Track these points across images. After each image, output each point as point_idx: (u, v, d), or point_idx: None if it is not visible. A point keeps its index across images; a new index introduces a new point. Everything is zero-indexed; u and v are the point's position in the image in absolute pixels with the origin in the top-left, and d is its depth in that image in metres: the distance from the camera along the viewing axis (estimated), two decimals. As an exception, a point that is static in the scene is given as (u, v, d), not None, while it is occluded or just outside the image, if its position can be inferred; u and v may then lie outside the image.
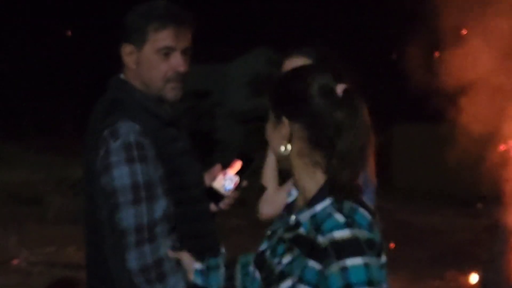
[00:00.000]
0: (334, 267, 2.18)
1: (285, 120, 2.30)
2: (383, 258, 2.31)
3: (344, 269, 2.16)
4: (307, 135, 2.27)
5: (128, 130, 2.78)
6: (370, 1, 20.43)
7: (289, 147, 2.31)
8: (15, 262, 9.58)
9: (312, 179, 2.32)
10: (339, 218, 2.21)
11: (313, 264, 2.23)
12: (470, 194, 15.54)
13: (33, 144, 20.15)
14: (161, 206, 2.76)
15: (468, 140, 11.15)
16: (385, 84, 23.27)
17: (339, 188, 2.25)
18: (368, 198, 2.77)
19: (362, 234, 2.21)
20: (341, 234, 2.19)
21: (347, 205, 2.25)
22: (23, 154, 18.35)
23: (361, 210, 2.27)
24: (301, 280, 2.24)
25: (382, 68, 23.45)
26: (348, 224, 2.20)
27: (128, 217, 2.72)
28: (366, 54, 22.65)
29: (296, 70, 2.42)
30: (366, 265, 2.19)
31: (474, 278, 8.88)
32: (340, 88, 2.26)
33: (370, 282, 2.18)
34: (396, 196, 16.81)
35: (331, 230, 2.20)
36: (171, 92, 2.98)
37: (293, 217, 2.34)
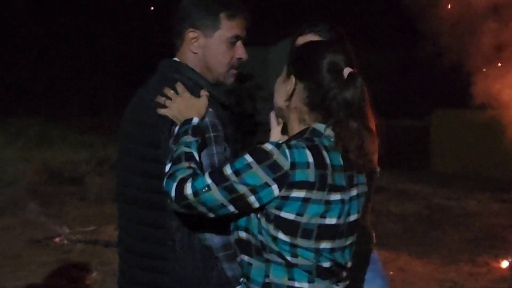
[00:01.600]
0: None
1: (292, 78, 2.62)
2: (288, 193, 2.47)
3: (241, 158, 2.52)
4: (306, 97, 2.60)
5: None
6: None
7: (287, 103, 2.65)
8: (56, 240, 9.74)
9: (296, 131, 2.63)
10: (280, 141, 2.56)
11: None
12: (506, 179, 15.56)
13: (76, 125, 20.41)
14: None
15: (505, 126, 11.20)
16: (425, 70, 23.16)
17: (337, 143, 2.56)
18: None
19: (279, 158, 2.46)
20: (266, 145, 2.51)
21: (300, 142, 2.53)
22: (66, 134, 18.57)
23: (306, 151, 2.50)
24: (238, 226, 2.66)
25: (423, 53, 23.34)
26: (277, 145, 2.49)
27: None
28: (408, 39, 22.57)
29: (317, 43, 2.83)
30: (248, 166, 2.47)
31: (505, 263, 8.93)
32: (346, 71, 2.59)
33: (237, 172, 2.47)
34: (433, 180, 16.80)
35: (267, 143, 2.56)
36: (230, 78, 3.13)
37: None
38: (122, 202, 3.05)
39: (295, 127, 2.62)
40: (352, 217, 2.60)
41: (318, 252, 2.52)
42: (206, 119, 2.86)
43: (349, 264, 2.65)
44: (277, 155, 2.45)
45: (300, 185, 2.46)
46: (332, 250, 2.55)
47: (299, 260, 2.51)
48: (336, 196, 2.52)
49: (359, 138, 2.53)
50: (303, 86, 2.59)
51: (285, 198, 2.45)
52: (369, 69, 19.04)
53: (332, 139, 2.55)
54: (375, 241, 3.43)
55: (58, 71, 24.62)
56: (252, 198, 2.47)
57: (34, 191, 12.68)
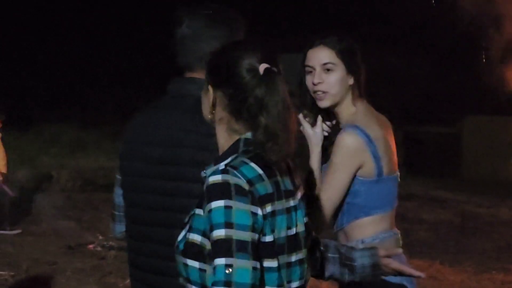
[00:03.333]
0: (205, 210, 2.26)
1: (210, 88, 2.45)
2: (266, 209, 2.27)
3: (210, 211, 2.22)
4: (227, 105, 2.40)
5: None
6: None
7: (211, 115, 2.47)
8: (90, 247, 9.86)
9: (228, 143, 2.42)
10: (221, 166, 2.31)
11: (199, 211, 2.35)
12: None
13: (109, 131, 20.55)
14: None
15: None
16: (458, 75, 23.07)
17: (265, 158, 2.33)
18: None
19: (234, 180, 2.24)
20: (214, 178, 2.25)
21: (239, 158, 2.32)
22: (100, 141, 18.71)
23: (252, 165, 2.29)
24: (190, 228, 2.35)
25: (455, 60, 23.24)
26: (223, 171, 2.26)
27: None
28: (441, 46, 22.50)
29: (228, 45, 2.53)
30: (227, 208, 2.20)
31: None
32: (262, 67, 2.35)
33: (227, 223, 2.18)
34: (465, 187, 16.74)
35: (210, 176, 2.29)
36: None
37: (203, 173, 2.43)
38: (153, 226, 2.92)
39: (227, 139, 2.43)
40: (305, 220, 2.45)
41: (289, 266, 2.34)
42: None
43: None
44: (231, 179, 2.23)
45: (266, 199, 2.27)
46: (300, 262, 2.39)
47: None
48: (291, 202, 2.38)
49: (276, 139, 2.31)
50: (222, 94, 2.40)
51: (264, 218, 2.26)
52: (401, 76, 19.11)
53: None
54: (401, 243, 3.42)
55: (92, 78, 24.82)
56: (257, 237, 2.24)
57: (68, 197, 12.82)
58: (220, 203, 2.20)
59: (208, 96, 2.45)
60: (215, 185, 2.23)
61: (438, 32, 22.08)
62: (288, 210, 2.33)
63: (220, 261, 2.17)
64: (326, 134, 3.40)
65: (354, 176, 3.24)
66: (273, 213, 2.27)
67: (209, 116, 2.46)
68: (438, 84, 21.97)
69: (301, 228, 2.38)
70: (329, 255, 2.71)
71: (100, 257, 9.36)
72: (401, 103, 21.45)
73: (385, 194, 3.31)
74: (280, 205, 2.30)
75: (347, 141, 3.21)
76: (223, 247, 2.18)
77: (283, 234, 2.30)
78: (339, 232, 3.38)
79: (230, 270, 2.15)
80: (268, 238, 2.26)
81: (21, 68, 24.64)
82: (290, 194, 2.37)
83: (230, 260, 2.16)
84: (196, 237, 2.30)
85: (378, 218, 3.30)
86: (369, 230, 3.29)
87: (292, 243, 2.34)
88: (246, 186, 2.23)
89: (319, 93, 3.33)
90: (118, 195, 3.10)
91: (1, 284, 8.16)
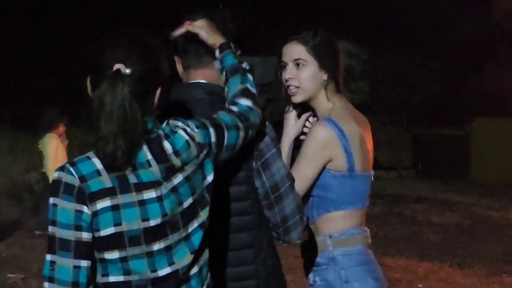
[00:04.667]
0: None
1: (88, 87, 2.42)
2: (98, 204, 2.27)
3: (49, 207, 2.28)
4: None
5: (270, 128, 2.94)
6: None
7: None
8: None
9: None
10: (63, 165, 2.33)
11: None
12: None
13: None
14: None
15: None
16: (466, 79, 23.05)
17: (102, 160, 2.31)
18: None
19: (66, 178, 2.25)
20: (54, 175, 2.29)
21: (85, 155, 2.33)
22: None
23: (94, 160, 2.28)
24: None
25: (463, 64, 23.23)
26: (61, 168, 2.28)
27: (290, 202, 2.91)
28: (447, 49, 22.49)
29: (98, 44, 2.45)
30: (54, 206, 2.26)
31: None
32: (116, 66, 2.31)
33: (53, 221, 2.26)
34: (474, 190, 16.73)
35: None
36: None
37: None
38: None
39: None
40: (186, 204, 2.40)
41: (151, 255, 2.34)
42: (273, 134, 2.93)
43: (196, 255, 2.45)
44: (64, 177, 2.25)
45: (100, 194, 2.27)
46: (167, 249, 2.36)
47: (133, 277, 2.34)
48: (150, 194, 2.33)
49: (107, 141, 2.26)
50: (92, 90, 2.37)
51: (95, 214, 2.26)
52: (410, 79, 19.17)
53: None
54: (370, 241, 3.41)
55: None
56: (85, 235, 2.27)
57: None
58: (51, 200, 2.27)
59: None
60: (52, 181, 2.28)
61: (447, 35, 22.07)
62: (142, 203, 2.30)
63: (47, 257, 2.27)
64: (306, 130, 3.41)
65: (323, 168, 3.22)
66: (114, 207, 2.26)
67: None
68: (447, 86, 21.97)
69: (170, 216, 2.34)
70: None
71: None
72: (410, 105, 21.46)
73: (357, 191, 3.28)
74: (126, 198, 2.28)
75: (318, 132, 3.19)
76: (49, 244, 2.27)
77: (135, 226, 2.29)
78: (309, 225, 3.38)
79: (53, 267, 2.25)
80: (104, 232, 2.26)
81: (30, 72, 24.75)
82: (146, 186, 2.32)
83: (53, 257, 2.25)
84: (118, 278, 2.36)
85: (348, 214, 3.28)
86: (338, 225, 3.27)
87: (153, 233, 2.32)
88: (76, 183, 2.25)
89: (291, 88, 3.35)
90: None
91: (12, 287, 8.20)
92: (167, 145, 2.39)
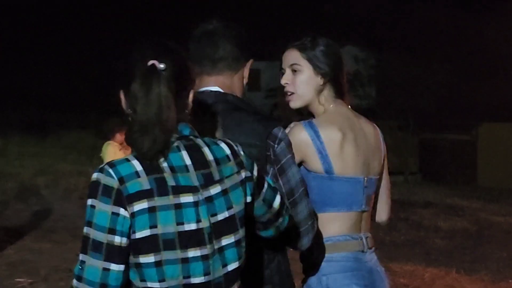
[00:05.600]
0: None
1: (120, 93, 2.46)
2: (136, 206, 2.29)
3: (86, 207, 2.31)
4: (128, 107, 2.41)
5: (285, 134, 2.95)
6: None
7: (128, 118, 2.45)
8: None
9: None
10: (101, 166, 2.36)
11: None
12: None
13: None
14: None
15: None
16: (473, 83, 23.02)
17: (138, 152, 2.34)
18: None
19: (105, 179, 2.29)
20: (92, 176, 2.32)
21: (126, 157, 2.36)
22: (116, 148, 18.82)
23: (133, 162, 2.32)
24: None
25: (471, 68, 23.22)
26: (100, 169, 2.31)
27: (303, 208, 2.92)
28: (456, 54, 22.47)
29: (130, 51, 2.52)
30: (92, 207, 2.27)
31: (555, 279, 8.89)
32: (149, 63, 2.36)
33: (89, 222, 2.27)
34: (481, 195, 16.72)
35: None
36: None
37: None
38: None
39: None
40: (220, 216, 2.40)
41: (186, 262, 2.33)
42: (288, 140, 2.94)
43: (233, 266, 2.45)
44: (103, 178, 2.28)
45: (138, 196, 2.28)
46: (204, 258, 2.36)
47: (168, 282, 2.33)
48: (187, 198, 2.35)
49: (143, 133, 2.31)
50: (127, 98, 2.42)
51: (133, 216, 2.28)
52: (417, 83, 19.14)
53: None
54: (364, 248, 3.38)
55: (109, 85, 25.01)
56: (117, 239, 2.28)
57: (86, 205, 12.85)
58: (89, 201, 2.29)
59: (122, 101, 2.46)
60: (91, 183, 2.31)
61: (454, 40, 22.07)
62: (178, 206, 2.31)
63: (79, 256, 2.29)
64: None
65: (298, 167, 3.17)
66: (151, 209, 2.28)
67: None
68: (454, 91, 21.96)
69: (205, 224, 2.36)
70: None
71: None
72: (417, 110, 21.45)
73: (337, 193, 3.25)
74: (163, 201, 2.29)
75: (291, 132, 3.18)
76: (83, 244, 2.29)
77: (170, 229, 2.29)
78: None
79: (83, 267, 2.27)
80: (140, 234, 2.28)
81: (39, 76, 24.83)
82: (184, 190, 2.34)
83: (84, 257, 2.27)
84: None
85: (332, 217, 3.26)
86: (323, 230, 3.25)
87: (188, 239, 2.32)
88: (115, 185, 2.27)
89: (288, 93, 3.38)
90: None
91: (20, 291, 8.23)
92: (207, 151, 2.42)
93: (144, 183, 2.29)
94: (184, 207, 2.32)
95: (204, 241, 2.35)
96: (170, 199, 2.30)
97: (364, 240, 3.35)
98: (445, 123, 21.91)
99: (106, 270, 2.27)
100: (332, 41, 3.42)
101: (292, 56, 3.36)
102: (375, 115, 20.09)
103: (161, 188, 2.30)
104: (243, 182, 2.46)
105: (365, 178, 3.32)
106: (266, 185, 2.56)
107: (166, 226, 2.29)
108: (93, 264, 2.27)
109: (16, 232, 10.77)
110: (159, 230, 2.28)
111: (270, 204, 2.58)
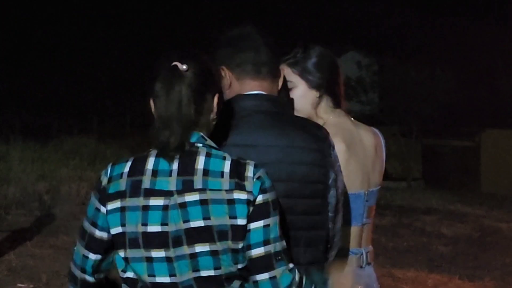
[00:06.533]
0: None
1: (150, 101, 2.53)
2: (111, 205, 2.44)
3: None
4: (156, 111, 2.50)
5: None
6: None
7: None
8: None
9: None
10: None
11: None
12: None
13: (128, 143, 20.69)
14: None
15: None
16: (477, 89, 23.02)
17: (159, 146, 2.46)
18: None
19: (102, 177, 2.49)
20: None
21: (124, 158, 2.53)
22: (118, 153, 18.81)
23: (127, 163, 2.47)
24: None
25: (474, 74, 23.22)
26: (106, 166, 2.53)
27: (340, 219, 2.91)
28: (459, 60, 22.48)
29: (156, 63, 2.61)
30: (90, 198, 2.50)
31: (559, 286, 8.86)
32: (172, 65, 2.46)
33: (86, 212, 2.50)
34: (484, 201, 16.69)
35: None
36: None
37: None
38: None
39: None
40: (193, 224, 2.39)
41: (150, 261, 2.41)
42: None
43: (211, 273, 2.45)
44: (102, 175, 2.50)
45: (114, 196, 2.44)
46: (168, 260, 2.41)
47: (138, 277, 2.45)
48: (156, 202, 2.41)
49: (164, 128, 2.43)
50: (155, 104, 2.50)
51: (108, 213, 2.45)
52: (420, 89, 19.14)
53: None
54: (363, 263, 3.34)
55: (110, 90, 25.06)
56: (98, 233, 2.48)
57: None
58: (91, 193, 2.53)
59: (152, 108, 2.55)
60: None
61: (457, 46, 22.08)
62: (146, 208, 2.40)
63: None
64: None
65: None
66: (122, 209, 2.43)
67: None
68: (457, 97, 21.96)
69: (171, 228, 2.39)
70: None
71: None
72: (420, 116, 21.44)
73: None
74: (133, 202, 2.41)
75: None
76: (79, 228, 2.56)
77: (134, 229, 2.41)
78: None
79: (74, 249, 2.54)
80: (113, 231, 2.45)
81: (40, 81, 24.86)
82: (156, 194, 2.40)
83: (77, 240, 2.53)
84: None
85: None
86: None
87: (152, 240, 2.40)
88: (104, 183, 2.48)
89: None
90: None
91: (22, 297, 8.22)
92: (200, 160, 2.44)
93: (122, 184, 2.44)
94: (151, 209, 2.41)
95: (168, 244, 2.40)
96: (140, 201, 2.42)
97: (364, 255, 3.33)
98: (448, 129, 21.90)
99: (85, 257, 2.51)
100: (325, 49, 3.36)
101: (285, 73, 3.21)
102: (378, 121, 20.08)
103: (134, 190, 2.42)
104: (231, 201, 2.41)
105: (366, 192, 3.30)
106: (271, 216, 2.47)
107: (132, 226, 2.41)
108: (79, 249, 2.52)
109: (18, 237, 10.75)
110: (126, 229, 2.42)
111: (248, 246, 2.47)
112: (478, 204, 16.25)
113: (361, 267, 3.30)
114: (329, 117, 3.30)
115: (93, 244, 2.49)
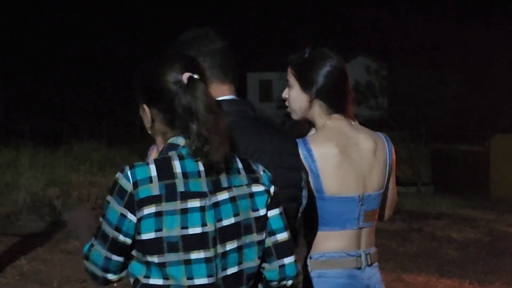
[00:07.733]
0: None
1: (145, 107, 2.59)
2: (145, 210, 2.41)
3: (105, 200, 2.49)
4: (163, 119, 2.55)
5: None
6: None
7: (152, 129, 2.61)
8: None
9: None
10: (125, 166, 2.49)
11: None
12: None
13: (137, 149, 20.70)
14: None
15: None
16: (486, 94, 22.99)
17: (208, 162, 2.46)
18: None
19: (122, 181, 2.42)
20: (116, 175, 2.46)
21: (143, 162, 2.50)
22: (128, 158, 18.84)
23: (151, 167, 2.44)
24: None
25: (483, 79, 23.19)
26: (121, 170, 2.45)
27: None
28: (468, 65, 22.47)
29: (153, 64, 2.63)
30: (107, 202, 2.44)
31: None
32: (185, 76, 2.49)
33: (103, 215, 2.45)
34: (493, 206, 16.65)
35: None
36: None
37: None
38: None
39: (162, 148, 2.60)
40: (226, 222, 2.48)
41: (189, 263, 2.43)
42: None
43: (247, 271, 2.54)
44: (121, 179, 2.43)
45: (148, 201, 2.40)
46: (207, 260, 2.45)
47: (170, 281, 2.44)
48: (194, 204, 2.44)
49: (205, 142, 2.43)
50: (156, 110, 2.55)
51: (140, 219, 2.41)
52: (429, 94, 19.09)
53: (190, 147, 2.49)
54: (362, 265, 3.35)
55: (120, 96, 25.12)
56: (121, 237, 2.44)
57: (98, 215, 12.86)
58: (108, 196, 2.45)
59: (146, 114, 2.59)
60: (113, 181, 2.45)
61: (466, 51, 22.07)
62: (184, 211, 2.42)
63: (92, 238, 2.54)
64: None
65: None
66: (158, 214, 2.40)
67: (150, 131, 2.63)
68: (467, 102, 21.94)
69: (210, 228, 2.44)
70: None
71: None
72: (430, 121, 21.42)
73: (329, 213, 3.22)
74: (170, 206, 2.41)
75: None
76: (97, 229, 2.50)
77: (174, 233, 2.40)
78: None
79: (91, 249, 2.51)
80: (145, 236, 2.40)
81: (50, 87, 24.93)
82: (192, 196, 2.44)
83: (94, 242, 2.50)
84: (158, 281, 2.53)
85: (328, 235, 3.24)
86: (318, 247, 3.24)
87: (191, 242, 2.42)
88: (129, 189, 2.41)
89: (287, 107, 3.39)
90: None
91: (32, 301, 8.25)
92: None
93: (154, 188, 2.41)
94: (190, 212, 2.43)
95: (208, 244, 2.45)
96: (177, 205, 2.42)
97: (363, 256, 3.31)
98: (457, 134, 21.88)
99: (108, 259, 2.49)
100: (333, 53, 3.33)
101: (288, 71, 3.32)
102: (387, 126, 20.07)
103: (170, 194, 2.42)
104: (252, 195, 2.54)
105: (361, 196, 3.27)
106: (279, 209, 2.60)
107: (171, 230, 2.40)
108: (99, 250, 2.49)
109: (29, 242, 10.79)
110: (163, 234, 2.40)
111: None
112: (488, 208, 16.22)
113: (359, 268, 3.29)
114: (326, 122, 3.30)
115: (115, 247, 2.47)
